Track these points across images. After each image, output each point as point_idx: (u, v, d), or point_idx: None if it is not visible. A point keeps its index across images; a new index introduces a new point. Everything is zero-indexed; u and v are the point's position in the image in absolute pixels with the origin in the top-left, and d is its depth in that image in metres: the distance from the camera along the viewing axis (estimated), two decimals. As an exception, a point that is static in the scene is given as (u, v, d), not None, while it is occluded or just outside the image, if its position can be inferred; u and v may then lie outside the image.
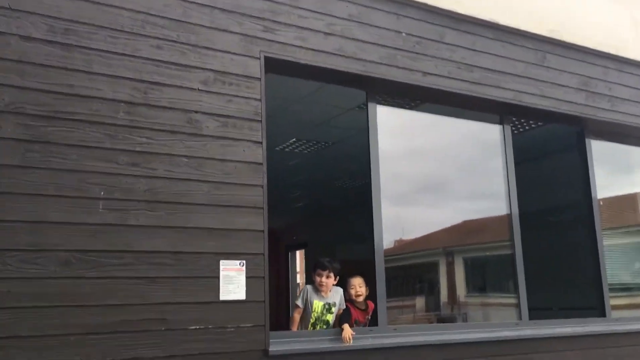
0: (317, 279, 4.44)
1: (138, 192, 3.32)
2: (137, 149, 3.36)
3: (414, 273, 6.51)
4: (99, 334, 3.10)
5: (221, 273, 3.48)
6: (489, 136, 5.14)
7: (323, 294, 4.42)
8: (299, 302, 4.45)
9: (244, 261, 3.56)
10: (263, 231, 3.65)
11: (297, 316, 4.46)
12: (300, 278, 12.44)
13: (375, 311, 4.34)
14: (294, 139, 6.96)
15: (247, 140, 3.70)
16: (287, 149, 7.26)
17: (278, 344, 3.62)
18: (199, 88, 3.57)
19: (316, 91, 5.16)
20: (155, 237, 3.33)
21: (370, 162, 4.32)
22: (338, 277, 4.51)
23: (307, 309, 4.47)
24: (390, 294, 4.36)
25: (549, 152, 6.08)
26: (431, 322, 5.57)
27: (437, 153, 5.16)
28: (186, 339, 3.31)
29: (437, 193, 5.26)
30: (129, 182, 3.30)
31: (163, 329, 3.27)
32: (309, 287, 4.55)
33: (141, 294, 3.24)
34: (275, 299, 11.37)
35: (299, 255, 12.07)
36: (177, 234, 3.40)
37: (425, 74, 4.47)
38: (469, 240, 6.03)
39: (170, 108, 3.47)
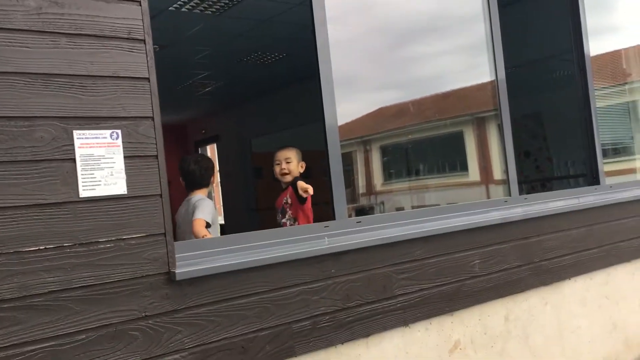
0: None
1: None
2: None
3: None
4: None
5: (77, 152, 2.00)
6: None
7: None
8: (207, 216, 3.15)
9: (118, 131, 2.08)
10: (148, 79, 2.15)
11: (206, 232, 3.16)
12: (213, 178, 10.94)
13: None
14: (192, -7, 5.22)
15: None
16: (184, 9, 5.51)
17: (190, 261, 2.26)
18: None
19: None
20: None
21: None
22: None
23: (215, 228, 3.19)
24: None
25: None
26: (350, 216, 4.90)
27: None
28: (20, 270, 1.86)
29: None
30: None
31: (-28, 256, 1.80)
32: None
33: None
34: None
35: (210, 151, 10.49)
36: (-18, 84, 1.84)
37: None
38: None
39: None
